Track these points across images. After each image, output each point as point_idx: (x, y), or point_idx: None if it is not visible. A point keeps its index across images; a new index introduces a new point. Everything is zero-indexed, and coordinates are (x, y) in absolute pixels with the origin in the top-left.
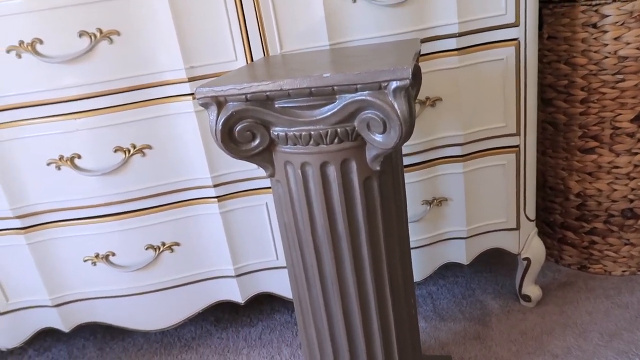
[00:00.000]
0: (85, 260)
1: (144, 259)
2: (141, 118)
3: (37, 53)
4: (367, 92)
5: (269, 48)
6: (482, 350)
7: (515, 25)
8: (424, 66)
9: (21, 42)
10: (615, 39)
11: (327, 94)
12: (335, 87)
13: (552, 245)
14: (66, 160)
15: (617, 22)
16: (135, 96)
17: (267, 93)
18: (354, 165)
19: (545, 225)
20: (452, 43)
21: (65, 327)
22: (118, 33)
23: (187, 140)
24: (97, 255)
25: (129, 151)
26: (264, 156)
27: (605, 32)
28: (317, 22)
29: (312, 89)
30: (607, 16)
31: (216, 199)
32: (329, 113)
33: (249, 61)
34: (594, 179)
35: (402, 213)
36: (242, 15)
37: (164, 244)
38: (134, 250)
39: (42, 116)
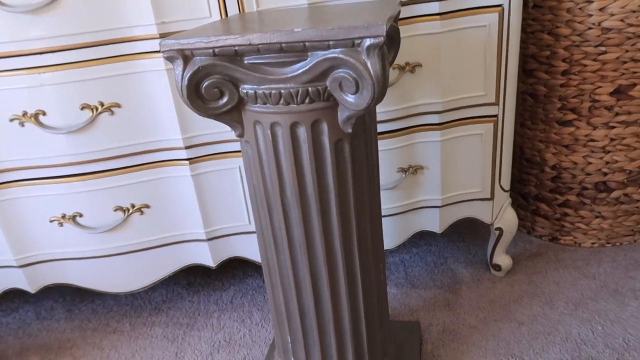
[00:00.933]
0: (51, 221)
1: (113, 221)
2: (109, 74)
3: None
4: (339, 49)
5: (244, 5)
6: (450, 317)
7: None
8: (405, 30)
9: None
10: (601, 9)
11: (298, 51)
12: (307, 43)
13: (526, 216)
14: (30, 117)
15: None
16: (103, 51)
17: (236, 48)
18: (325, 127)
19: (520, 197)
20: (434, 7)
21: (31, 288)
22: None
23: (158, 100)
24: (63, 216)
25: (97, 109)
26: (233, 115)
27: (590, 2)
28: None
29: (283, 44)
30: None
31: (187, 162)
32: (300, 71)
33: (223, 17)
34: (570, 152)
35: (374, 177)
36: None
37: (133, 206)
38: (102, 211)
39: (4, 69)
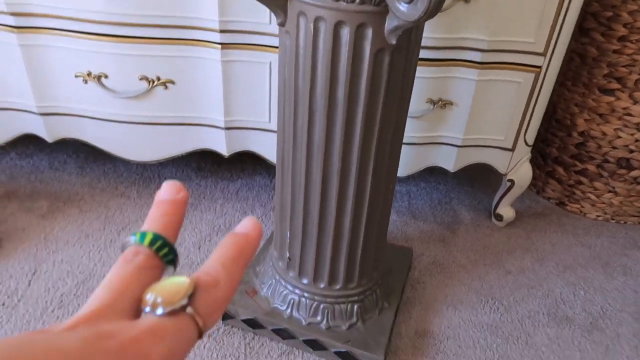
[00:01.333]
0: (76, 76)
1: (137, 89)
2: None
3: None
4: None
5: None
6: (442, 252)
7: None
8: None
9: None
10: None
11: None
12: None
13: (539, 177)
14: None
15: None
16: None
17: None
18: (369, 32)
19: (539, 157)
20: None
21: (49, 138)
22: None
23: None
24: (89, 74)
25: None
26: (279, 1)
27: None
28: None
29: None
30: None
31: (220, 46)
32: None
33: None
34: (603, 122)
35: (406, 97)
36: None
37: (158, 79)
38: (128, 77)
39: None
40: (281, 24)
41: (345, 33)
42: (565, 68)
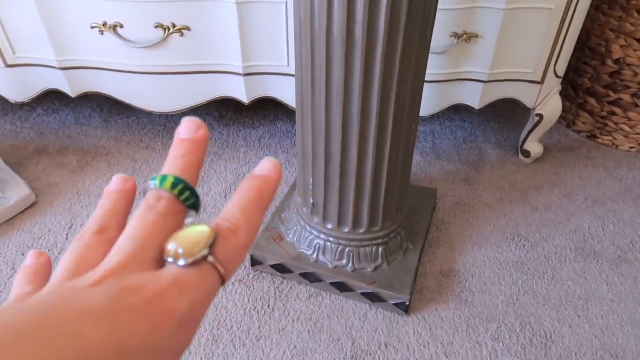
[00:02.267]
0: (92, 27)
1: (153, 38)
2: None
3: None
4: None
5: None
6: (467, 191)
7: None
8: None
9: None
10: None
11: None
12: None
13: (570, 109)
14: None
15: None
16: None
17: None
18: None
19: (570, 88)
20: None
21: (71, 92)
22: None
23: None
24: (104, 24)
25: None
26: None
27: None
28: None
29: None
30: None
31: None
32: None
33: None
34: None
35: (427, 34)
36: None
37: (174, 25)
38: (143, 25)
39: None
40: None
41: None
42: None
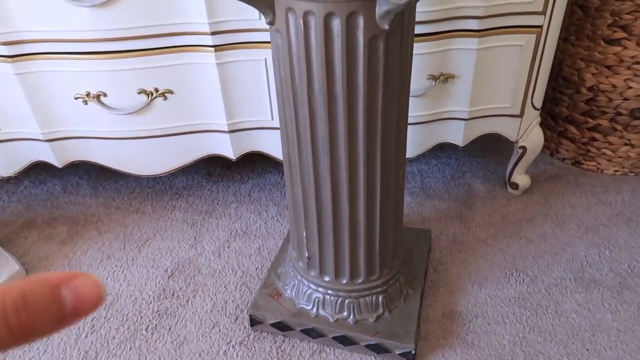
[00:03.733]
0: (76, 98)
1: (137, 104)
2: None
3: None
4: None
5: None
6: (461, 229)
7: None
8: None
9: None
10: None
11: None
12: None
13: (552, 138)
14: None
15: None
16: None
17: None
18: (360, 21)
19: (549, 117)
20: None
21: (58, 163)
22: None
23: None
24: (88, 94)
25: None
26: (265, 1)
27: None
28: None
29: None
30: None
31: (213, 48)
32: None
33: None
34: (612, 74)
35: (406, 80)
36: None
37: (157, 90)
38: (126, 93)
39: None
40: (270, 23)
41: (336, 24)
42: (567, 22)
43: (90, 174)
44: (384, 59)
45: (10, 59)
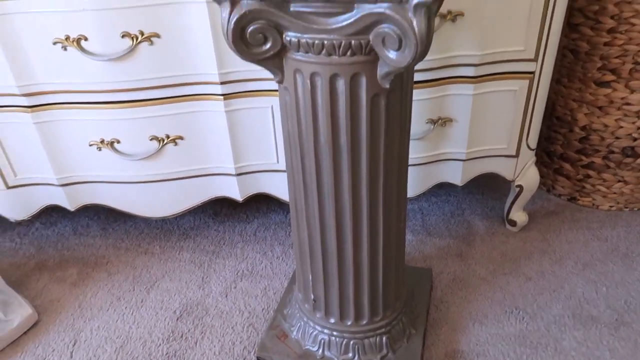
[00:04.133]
0: (90, 145)
1: (148, 150)
2: (150, 4)
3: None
4: (386, 4)
5: None
6: (461, 267)
7: None
8: None
9: (67, 37)
10: None
11: (345, 2)
12: None
13: (547, 174)
14: (72, 41)
15: None
16: None
17: None
18: (363, 81)
19: (545, 155)
20: None
21: (70, 206)
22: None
23: (196, 32)
24: (102, 141)
25: (137, 38)
26: (274, 61)
27: None
28: None
29: None
30: None
31: (222, 97)
32: (344, 23)
33: None
34: (603, 114)
35: (405, 131)
36: None
37: (168, 137)
38: (139, 139)
39: None
40: (279, 82)
41: (341, 84)
42: (559, 65)
43: (99, 215)
44: (385, 113)
45: (29, 109)
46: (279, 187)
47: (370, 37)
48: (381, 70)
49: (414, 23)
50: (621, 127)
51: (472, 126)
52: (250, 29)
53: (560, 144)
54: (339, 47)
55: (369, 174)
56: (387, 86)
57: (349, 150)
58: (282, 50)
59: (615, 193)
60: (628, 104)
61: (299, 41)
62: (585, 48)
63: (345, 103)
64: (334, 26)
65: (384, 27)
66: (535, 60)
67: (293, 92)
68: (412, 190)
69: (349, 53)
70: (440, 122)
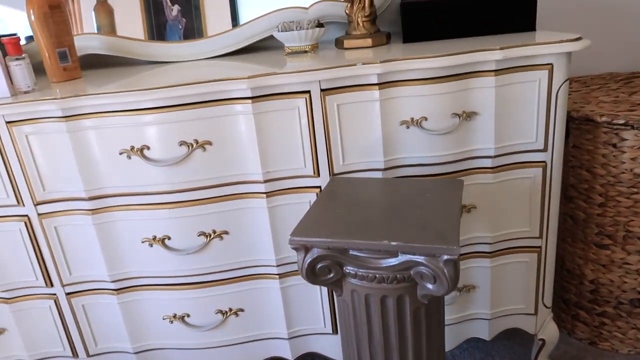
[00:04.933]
0: (164, 319)
1: (214, 320)
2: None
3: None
4: (423, 257)
5: (333, 160)
6: None
7: (543, 150)
8: (464, 180)
9: (132, 147)
10: (632, 159)
11: (391, 253)
12: (399, 251)
13: (566, 319)
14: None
15: (634, 146)
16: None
17: (345, 246)
18: (407, 299)
19: (561, 301)
20: (487, 162)
21: None
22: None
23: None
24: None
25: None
26: (336, 284)
27: (623, 152)
28: (375, 141)
29: (381, 250)
30: (626, 139)
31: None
32: (391, 264)
33: (315, 170)
34: (607, 271)
35: (441, 330)
36: (312, 133)
37: (230, 309)
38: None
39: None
40: (339, 295)
41: (390, 302)
42: (563, 227)
43: None
44: (425, 320)
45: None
46: (325, 347)
47: (412, 272)
48: (420, 292)
49: (445, 271)
50: (625, 282)
51: (492, 291)
52: (319, 266)
53: (574, 293)
54: (387, 278)
55: None
56: (426, 302)
57: (398, 349)
58: (342, 276)
59: (631, 339)
60: (627, 263)
61: (356, 273)
62: (581, 216)
63: (393, 315)
64: (383, 265)
65: (422, 269)
66: (540, 237)
67: (350, 305)
68: (446, 345)
69: (395, 282)
70: (465, 289)
